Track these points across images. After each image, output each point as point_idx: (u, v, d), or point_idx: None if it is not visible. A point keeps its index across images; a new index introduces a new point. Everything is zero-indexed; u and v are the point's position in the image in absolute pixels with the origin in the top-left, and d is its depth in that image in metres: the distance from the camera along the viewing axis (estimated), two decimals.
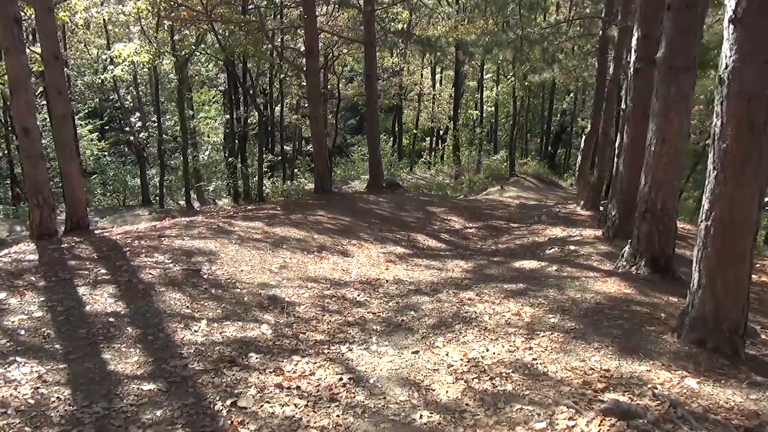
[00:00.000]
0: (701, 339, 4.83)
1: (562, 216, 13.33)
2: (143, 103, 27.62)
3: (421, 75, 34.74)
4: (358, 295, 6.59)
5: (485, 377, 4.35)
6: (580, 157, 14.97)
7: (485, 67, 26.69)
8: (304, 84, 22.85)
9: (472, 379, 4.31)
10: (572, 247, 9.28)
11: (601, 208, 13.71)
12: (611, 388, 4.14)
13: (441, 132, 38.35)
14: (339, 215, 11.62)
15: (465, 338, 5.22)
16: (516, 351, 4.86)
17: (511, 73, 22.75)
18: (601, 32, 14.06)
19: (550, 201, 19.84)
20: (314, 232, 9.72)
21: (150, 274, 6.37)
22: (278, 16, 19.90)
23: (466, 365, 4.57)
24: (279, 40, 21.16)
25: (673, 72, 6.77)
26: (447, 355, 4.81)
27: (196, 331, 5.04)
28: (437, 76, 37.96)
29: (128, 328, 4.95)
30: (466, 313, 5.93)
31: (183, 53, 18.11)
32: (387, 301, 6.40)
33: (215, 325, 5.24)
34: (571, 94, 32.96)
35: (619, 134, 11.40)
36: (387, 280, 7.33)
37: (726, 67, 4.25)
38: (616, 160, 11.38)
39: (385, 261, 8.64)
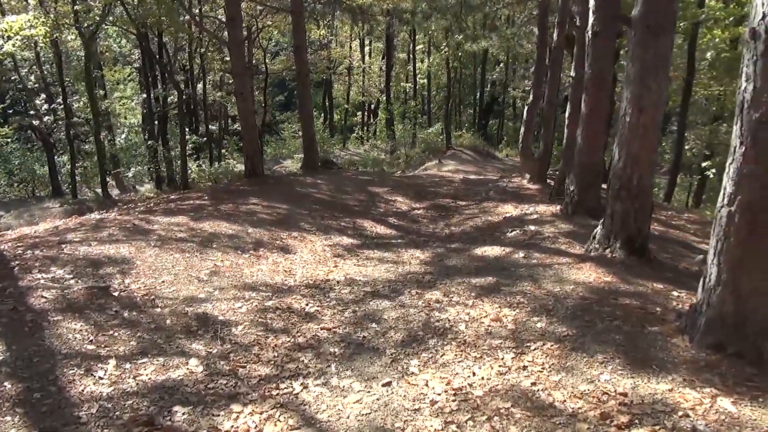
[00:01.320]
0: (719, 343, 4.07)
1: (510, 191, 12.62)
2: (49, 83, 24.98)
3: (350, 47, 33.34)
4: (307, 305, 5.51)
5: (481, 417, 3.41)
6: (523, 129, 14.26)
7: (417, 38, 25.66)
8: (228, 58, 21.15)
9: (465, 422, 3.37)
10: (532, 227, 8.50)
11: (549, 182, 13.12)
12: (637, 422, 3.30)
13: (372, 106, 37.21)
14: (275, 202, 10.40)
15: (443, 358, 4.26)
16: (508, 372, 3.96)
17: (444, 44, 21.83)
18: None
19: (491, 174, 19.27)
20: (248, 225, 8.50)
21: (43, 297, 5.03)
22: None
23: (453, 399, 3.62)
24: (197, 10, 19.31)
25: (651, 32, 5.95)
26: (427, 385, 3.84)
27: (102, 378, 3.83)
28: (366, 49, 36.64)
29: (6, 383, 3.68)
30: (438, 321, 4.97)
31: (87, 26, 16.04)
32: (342, 311, 5.35)
33: (128, 365, 4.05)
34: (501, 65, 32.52)
35: (569, 103, 10.70)
36: (338, 281, 6.27)
37: (763, 18, 3.39)
38: (567, 130, 10.70)
39: (332, 256, 7.55)
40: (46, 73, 24.42)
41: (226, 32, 13.51)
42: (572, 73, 10.49)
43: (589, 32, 8.21)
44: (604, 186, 8.71)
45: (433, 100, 31.75)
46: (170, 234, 7.56)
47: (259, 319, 5.07)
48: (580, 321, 4.77)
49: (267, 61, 26.89)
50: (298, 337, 4.74)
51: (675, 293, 5.54)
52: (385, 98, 31.76)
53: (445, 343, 4.53)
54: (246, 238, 7.83)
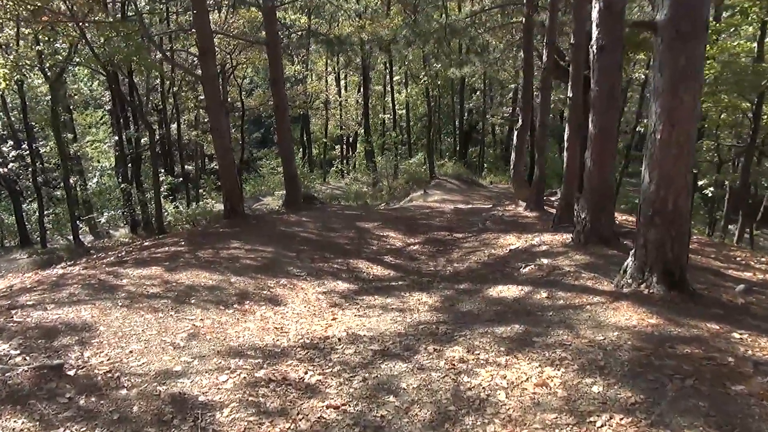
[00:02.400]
0: None
1: (507, 220, 11.80)
2: (17, 129, 23.81)
3: (326, 81, 32.73)
4: (306, 373, 4.51)
5: None
6: (513, 154, 13.58)
7: (394, 69, 25.12)
8: (202, 97, 20.26)
9: None
10: (545, 260, 7.64)
11: (547, 208, 12.36)
12: None
13: (350, 139, 36.50)
14: (258, 245, 9.41)
15: None
16: None
17: (422, 73, 21.26)
18: (524, 19, 12.68)
19: (480, 202, 18.52)
20: (231, 274, 7.49)
21: None
22: (165, 22, 17.21)
23: None
24: (169, 49, 18.47)
25: (681, 38, 5.21)
26: None
27: None
28: (342, 82, 36.09)
29: None
30: (470, 389, 4.02)
31: (50, 66, 15.08)
32: (349, 379, 4.37)
33: None
34: (478, 92, 32.12)
35: (568, 125, 9.99)
36: (339, 339, 5.28)
37: None
38: (567, 153, 9.98)
39: (328, 306, 6.57)
40: (13, 119, 23.28)
41: (198, 68, 12.65)
42: (569, 94, 9.81)
43: (594, 47, 7.50)
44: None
45: (413, 130, 31.16)
46: (141, 289, 6.52)
47: (249, 398, 4.06)
48: (643, 381, 3.86)
49: (242, 97, 26.07)
50: (300, 421, 3.75)
51: (736, 335, 4.69)
52: (363, 130, 31.08)
53: (486, 421, 3.58)
54: (229, 290, 6.82)
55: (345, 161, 34.55)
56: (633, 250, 5.98)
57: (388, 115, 30.44)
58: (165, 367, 4.56)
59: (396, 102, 27.17)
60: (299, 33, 15.71)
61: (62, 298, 6.06)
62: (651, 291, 5.66)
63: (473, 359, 4.53)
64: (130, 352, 4.81)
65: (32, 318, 5.41)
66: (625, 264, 6.07)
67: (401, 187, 23.92)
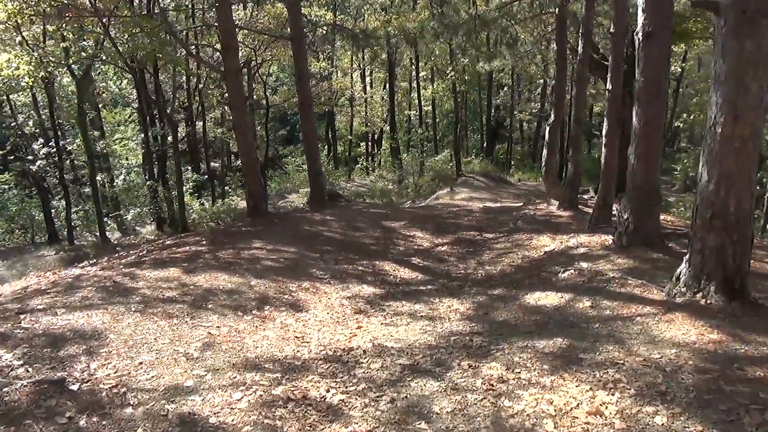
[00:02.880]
0: None
1: (540, 220, 11.22)
2: (47, 128, 23.90)
3: (351, 78, 32.32)
4: (328, 390, 4.07)
5: None
6: (545, 151, 12.96)
7: (420, 65, 24.58)
8: (227, 94, 20.02)
9: None
10: (584, 264, 7.09)
11: (581, 207, 11.74)
12: None
13: (375, 136, 36.07)
14: (281, 245, 9.02)
15: None
16: None
17: (450, 68, 20.69)
18: (557, 9, 12.05)
19: (509, 201, 17.91)
20: (251, 276, 7.09)
21: None
22: (190, 18, 16.95)
23: None
24: (193, 46, 18.22)
25: (748, 20, 4.63)
26: None
27: None
28: (368, 79, 35.66)
29: None
30: (512, 416, 3.53)
31: (74, 62, 14.92)
32: (376, 399, 3.91)
33: None
34: (506, 88, 31.40)
35: (606, 119, 9.38)
36: (364, 351, 4.83)
37: None
38: (605, 149, 9.38)
39: (353, 312, 6.12)
40: (44, 117, 23.36)
41: (222, 64, 12.31)
42: (608, 86, 9.19)
43: (640, 34, 6.91)
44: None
45: (438, 127, 30.57)
46: (157, 293, 6.15)
47: (266, 420, 3.63)
48: (714, 411, 3.33)
49: (267, 94, 25.81)
50: None
51: None
52: (389, 127, 30.60)
53: None
54: (248, 294, 6.42)
55: (370, 158, 34.15)
56: (687, 256, 5.40)
57: (414, 112, 29.90)
58: (175, 381, 4.16)
59: (422, 98, 26.61)
60: (325, 28, 15.27)
61: (74, 302, 5.73)
62: (708, 301, 5.09)
63: (514, 379, 4.03)
64: (140, 363, 4.43)
65: (41, 324, 5.07)
66: (678, 271, 5.50)
67: (427, 185, 23.39)
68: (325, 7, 23.87)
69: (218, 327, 5.33)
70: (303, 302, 6.34)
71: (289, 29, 14.71)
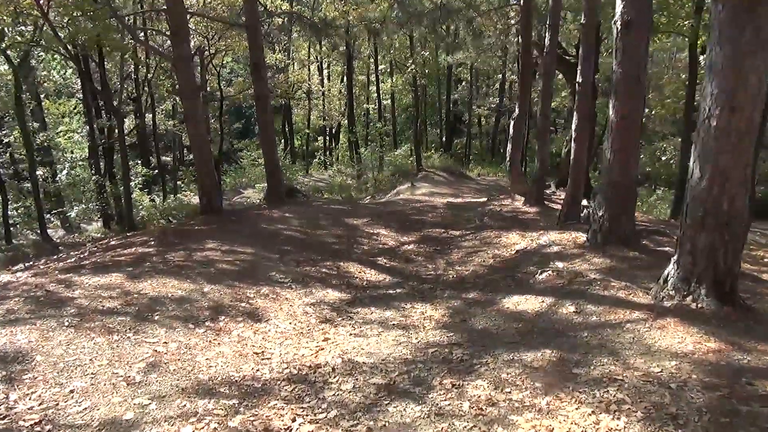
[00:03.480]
0: None
1: (507, 216, 10.88)
2: None
3: (309, 70, 31.48)
4: (293, 420, 3.51)
5: None
6: (509, 146, 12.64)
7: (379, 57, 23.99)
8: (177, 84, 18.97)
9: None
10: (560, 264, 6.73)
11: (549, 204, 11.48)
12: None
13: (333, 130, 35.35)
14: (237, 245, 8.35)
15: None
16: None
17: (410, 61, 20.21)
18: (522, 1, 11.70)
19: (471, 196, 17.63)
20: (204, 281, 6.43)
21: None
22: (138, 3, 15.89)
23: None
24: (141, 32, 17.14)
25: (748, 5, 4.27)
26: None
27: None
28: (325, 72, 34.86)
29: None
30: None
31: (7, 46, 13.74)
32: (350, 429, 3.38)
33: None
34: (464, 83, 31.17)
35: (576, 112, 9.07)
36: (333, 368, 4.28)
37: None
38: (575, 144, 9.07)
39: (318, 321, 5.55)
40: None
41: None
42: (578, 79, 8.87)
43: (618, 23, 6.56)
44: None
45: (397, 121, 30.09)
46: (95, 303, 5.43)
47: None
48: None
49: (221, 86, 24.77)
50: None
51: None
52: (346, 121, 29.96)
53: None
54: (201, 302, 5.77)
55: (328, 153, 33.43)
56: (675, 257, 5.05)
57: (373, 105, 29.35)
58: (113, 413, 3.52)
59: (381, 92, 26.08)
60: (282, 17, 14.53)
61: None
62: (700, 305, 4.76)
63: (505, 401, 3.56)
64: (71, 391, 3.76)
65: None
66: (666, 272, 5.15)
67: (387, 180, 22.93)
68: None
69: (166, 343, 4.68)
70: (262, 311, 5.73)
71: (243, 18, 13.96)
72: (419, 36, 12.78)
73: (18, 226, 21.54)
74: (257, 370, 4.28)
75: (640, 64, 6.62)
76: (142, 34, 15.53)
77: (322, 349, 4.75)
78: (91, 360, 4.24)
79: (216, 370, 4.27)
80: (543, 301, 5.47)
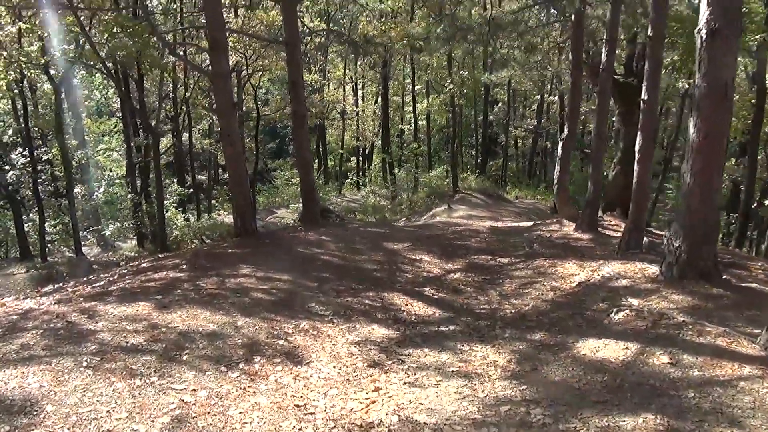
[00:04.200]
0: None
1: (558, 243, 10.04)
2: (33, 136, 22.40)
3: (344, 90, 31.18)
4: None
5: None
6: (557, 168, 11.84)
7: (415, 77, 23.50)
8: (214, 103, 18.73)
9: None
10: (634, 301, 5.90)
11: (602, 230, 10.61)
12: None
13: (366, 151, 34.90)
14: (273, 271, 7.73)
15: None
16: None
17: (448, 80, 19.62)
18: (573, 14, 10.98)
19: (511, 219, 16.82)
20: (238, 313, 5.79)
21: None
22: (178, 21, 15.67)
23: None
24: (181, 48, 16.94)
25: None
26: None
27: None
28: (359, 92, 34.54)
29: None
30: None
31: (50, 66, 13.61)
32: None
33: None
34: (500, 104, 30.40)
35: (640, 132, 8.25)
36: (389, 429, 3.56)
37: None
38: (638, 166, 8.24)
39: (365, 365, 4.84)
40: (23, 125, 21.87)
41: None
42: (643, 96, 8.08)
43: (703, 31, 5.78)
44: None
45: (432, 142, 29.47)
46: (119, 338, 4.83)
47: None
48: None
49: (258, 104, 24.55)
50: None
51: None
52: (380, 141, 29.45)
53: None
54: (234, 338, 5.11)
55: (361, 173, 32.94)
56: None
57: (408, 126, 28.80)
58: None
59: (416, 112, 25.53)
60: (321, 35, 14.07)
61: (10, 353, 4.40)
62: None
63: None
64: None
65: None
66: None
67: (422, 202, 22.22)
68: (319, 16, 22.76)
69: (194, 390, 4.02)
70: (302, 350, 5.04)
71: (283, 34, 13.55)
72: (462, 53, 12.12)
73: (55, 243, 21.49)
74: (300, 430, 3.58)
75: (727, 77, 5.82)
76: (181, 50, 15.25)
77: (374, 402, 4.03)
78: (108, 412, 3.61)
79: (251, 427, 3.58)
80: (626, 348, 4.66)
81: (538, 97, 27.02)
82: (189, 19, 15.73)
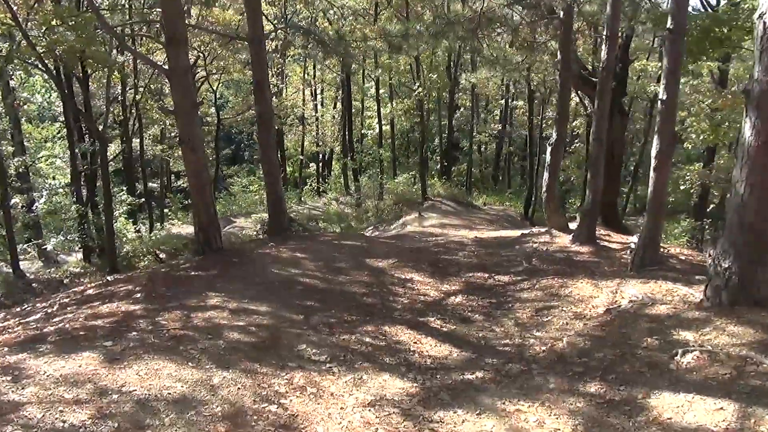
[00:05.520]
0: None
1: (558, 257, 9.06)
2: None
3: (303, 95, 29.77)
4: None
5: None
6: (546, 175, 10.92)
7: (380, 79, 22.41)
8: (172, 99, 17.09)
9: None
10: (688, 336, 4.92)
11: (603, 242, 9.73)
12: None
13: (326, 156, 33.54)
14: (248, 300, 6.43)
15: None
16: None
17: (417, 84, 18.58)
18: (562, 13, 10.08)
19: (485, 227, 16.03)
20: (212, 364, 4.49)
21: None
22: (126, 14, 14.01)
23: None
24: (130, 41, 15.30)
25: None
26: None
27: None
28: (318, 97, 33.17)
29: None
30: None
31: None
32: None
33: None
34: (462, 109, 29.58)
35: (658, 135, 7.36)
36: None
37: None
38: (655, 173, 7.35)
39: None
40: None
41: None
42: (661, 95, 7.18)
43: (766, 17, 4.87)
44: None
45: (397, 148, 28.39)
46: (53, 415, 3.47)
47: None
48: None
49: (216, 108, 22.94)
50: None
51: None
52: (340, 148, 28.21)
53: None
54: (211, 405, 3.82)
55: (322, 179, 31.55)
56: None
57: (372, 131, 27.67)
58: None
59: (380, 117, 24.45)
60: (289, 31, 12.75)
61: None
62: None
63: None
64: None
65: None
66: None
67: (389, 209, 21.06)
68: (275, 20, 21.31)
69: None
70: (303, 421, 3.79)
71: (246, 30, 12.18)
72: (443, 51, 11.04)
73: None
74: None
75: None
76: (132, 44, 13.64)
77: None
78: None
79: None
80: (721, 409, 3.63)
81: (502, 102, 26.36)
82: (139, 13, 14.10)
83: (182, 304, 6.26)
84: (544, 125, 22.31)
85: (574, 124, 21.47)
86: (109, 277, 9.55)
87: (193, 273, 7.96)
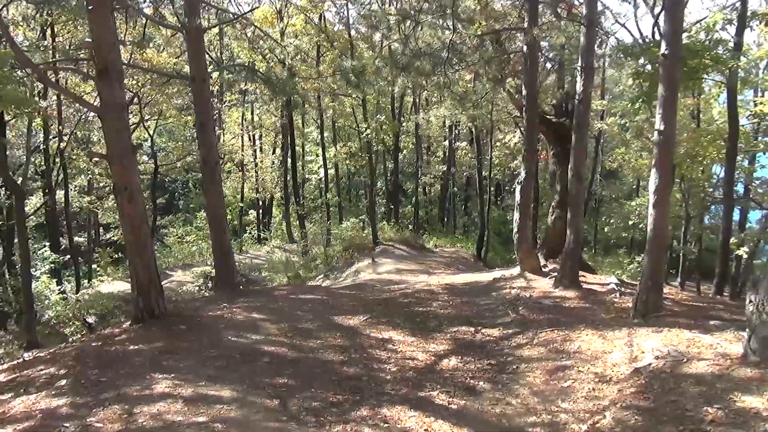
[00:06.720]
0: None
1: (545, 304, 8.21)
2: None
3: (242, 140, 28.42)
4: None
5: None
6: (517, 215, 10.19)
7: (325, 124, 21.50)
8: (105, 139, 15.41)
9: None
10: (755, 402, 4.06)
11: (588, 286, 8.99)
12: None
13: (266, 203, 32.08)
14: (205, 383, 5.11)
15: None
16: None
17: (365, 125, 17.80)
18: (526, 45, 9.56)
19: (441, 270, 15.19)
20: None
21: None
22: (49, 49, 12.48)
23: None
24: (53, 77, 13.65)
25: None
26: None
27: None
28: (257, 143, 31.87)
29: None
30: None
31: None
32: None
33: None
34: (404, 152, 29.12)
35: (656, 170, 6.72)
36: None
37: None
38: (654, 211, 6.68)
39: None
40: None
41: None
42: (659, 126, 6.58)
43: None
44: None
45: (342, 193, 27.38)
46: None
47: None
48: None
49: (154, 152, 21.26)
50: None
51: None
52: (283, 194, 26.94)
53: None
54: None
55: (264, 227, 29.96)
56: None
57: (316, 176, 26.63)
58: None
59: (325, 161, 23.52)
60: (234, 70, 11.62)
61: None
62: None
63: None
64: None
65: None
66: None
67: (339, 255, 19.87)
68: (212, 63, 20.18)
69: None
70: None
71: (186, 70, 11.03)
72: (400, 86, 10.32)
73: None
74: None
75: None
76: (53, 76, 12.10)
77: None
78: None
79: None
80: None
81: (446, 143, 26.04)
82: (65, 52, 12.63)
83: (121, 394, 4.87)
84: (491, 164, 22.00)
85: (514, 163, 21.40)
86: (26, 355, 7.84)
87: (132, 347, 6.51)
